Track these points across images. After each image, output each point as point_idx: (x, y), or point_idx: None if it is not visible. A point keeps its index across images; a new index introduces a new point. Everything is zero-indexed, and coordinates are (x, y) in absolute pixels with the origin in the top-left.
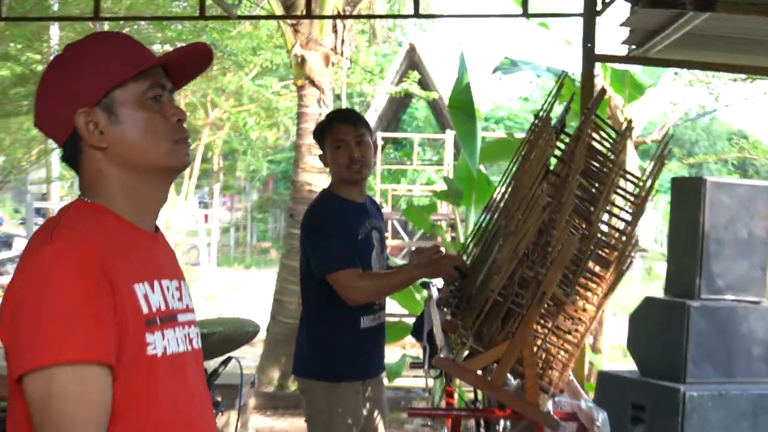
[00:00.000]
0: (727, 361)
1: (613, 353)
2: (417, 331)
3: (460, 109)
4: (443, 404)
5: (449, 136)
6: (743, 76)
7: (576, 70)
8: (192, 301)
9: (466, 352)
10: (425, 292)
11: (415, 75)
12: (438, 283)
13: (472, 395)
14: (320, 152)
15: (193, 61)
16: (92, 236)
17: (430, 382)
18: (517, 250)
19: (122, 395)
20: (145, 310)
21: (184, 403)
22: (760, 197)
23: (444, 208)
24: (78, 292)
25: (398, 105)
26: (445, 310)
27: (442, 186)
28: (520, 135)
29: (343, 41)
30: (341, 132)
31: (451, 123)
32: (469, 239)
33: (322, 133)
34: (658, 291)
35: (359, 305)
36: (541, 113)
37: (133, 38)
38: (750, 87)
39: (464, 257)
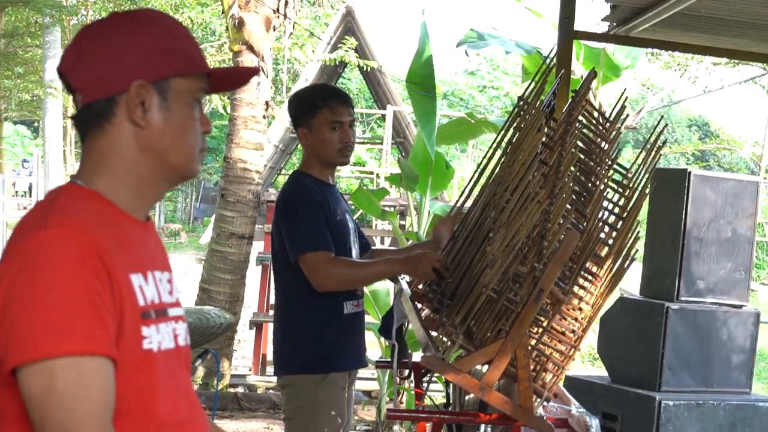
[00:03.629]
0: (705, 368)
1: (582, 358)
2: (385, 327)
3: (420, 85)
4: (402, 407)
5: (390, 112)
6: (725, 60)
7: (545, 46)
8: (180, 295)
9: (456, 351)
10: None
11: (351, 41)
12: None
13: (442, 397)
14: (257, 125)
15: (231, 78)
16: (88, 222)
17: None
18: (511, 243)
19: (120, 391)
20: (141, 302)
21: (178, 402)
22: (747, 193)
23: (393, 192)
24: (76, 280)
25: (330, 74)
26: (422, 306)
27: (372, 167)
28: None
29: (287, 2)
30: (340, 113)
31: (391, 97)
32: (457, 231)
33: (311, 108)
34: (633, 291)
35: (337, 290)
36: (526, 95)
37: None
38: (728, 73)
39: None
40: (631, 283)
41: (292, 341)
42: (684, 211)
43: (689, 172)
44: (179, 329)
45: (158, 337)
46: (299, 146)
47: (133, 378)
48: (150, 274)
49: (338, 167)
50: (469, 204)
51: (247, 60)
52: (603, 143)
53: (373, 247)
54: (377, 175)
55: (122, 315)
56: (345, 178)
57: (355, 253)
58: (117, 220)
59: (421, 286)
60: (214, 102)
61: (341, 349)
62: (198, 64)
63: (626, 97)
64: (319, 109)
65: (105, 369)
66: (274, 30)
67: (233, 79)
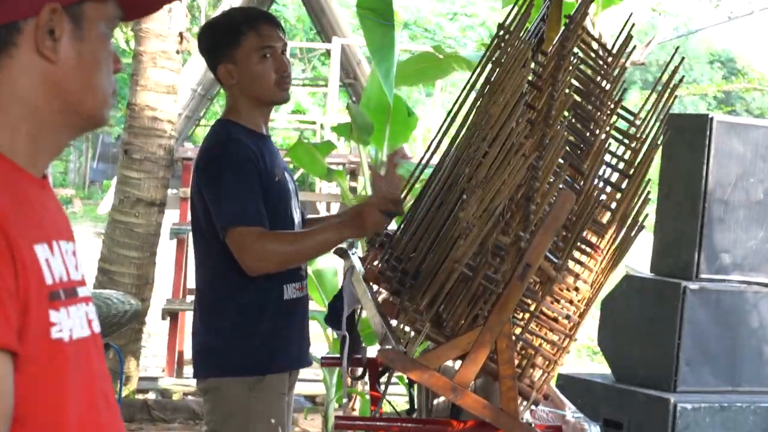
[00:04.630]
0: (731, 363)
1: (578, 351)
2: (333, 315)
3: (374, 11)
4: (356, 412)
5: (337, 46)
6: None
7: None
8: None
9: (422, 344)
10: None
11: None
12: (360, 250)
13: (405, 402)
14: (169, 63)
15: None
16: None
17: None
18: (490, 207)
19: (24, 392)
20: (48, 280)
21: (93, 405)
22: None
23: (343, 147)
24: None
25: (262, 0)
26: (378, 287)
27: (315, 115)
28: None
29: None
30: (269, 36)
31: (338, 27)
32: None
33: (232, 36)
34: (641, 268)
35: (272, 272)
36: (507, 23)
37: None
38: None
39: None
40: (639, 258)
41: (219, 335)
42: (705, 168)
43: (711, 119)
44: (91, 312)
45: (69, 323)
46: (222, 90)
47: (39, 375)
48: (56, 245)
49: (275, 109)
50: (436, 159)
51: None
52: (604, 82)
53: (310, 216)
54: (321, 125)
55: (27, 296)
56: (281, 129)
57: (297, 221)
58: (13, 177)
59: (369, 256)
60: (114, 35)
61: (281, 344)
62: None
63: (633, 25)
64: (243, 35)
65: (4, 365)
66: None
67: (142, 3)
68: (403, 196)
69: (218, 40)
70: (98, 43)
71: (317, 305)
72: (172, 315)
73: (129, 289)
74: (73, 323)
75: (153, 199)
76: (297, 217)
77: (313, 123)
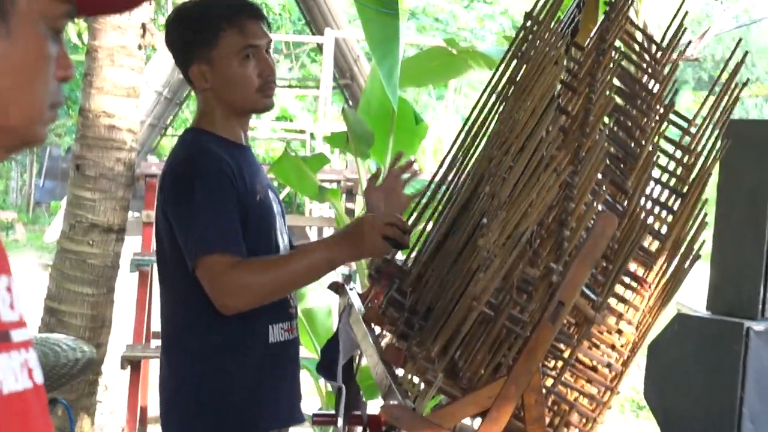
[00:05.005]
0: None
1: (620, 406)
2: (326, 363)
3: None
4: None
5: (330, 39)
6: None
7: None
8: (24, 309)
9: (434, 398)
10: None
11: None
12: (359, 284)
13: None
14: (130, 61)
15: None
16: None
17: None
18: (515, 233)
19: None
20: None
21: None
22: None
23: (337, 161)
24: None
25: None
26: (381, 329)
27: (304, 122)
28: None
29: None
30: (253, 33)
31: (331, 17)
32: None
33: (209, 32)
34: (695, 305)
35: (250, 308)
36: (536, 12)
37: None
38: None
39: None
40: (694, 294)
41: (191, 387)
42: None
43: None
44: (32, 360)
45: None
46: (193, 93)
47: None
48: None
49: (256, 115)
50: (451, 176)
51: None
52: (651, 83)
53: (298, 243)
54: (312, 134)
55: None
56: (263, 140)
57: (283, 249)
58: None
59: (371, 292)
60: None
61: (266, 397)
62: None
63: (686, 13)
64: (222, 32)
65: None
66: None
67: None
68: (410, 222)
69: (192, 37)
70: (33, 43)
71: (307, 351)
72: (133, 363)
73: (81, 332)
74: (4, 374)
75: (110, 225)
76: (283, 243)
77: (302, 132)
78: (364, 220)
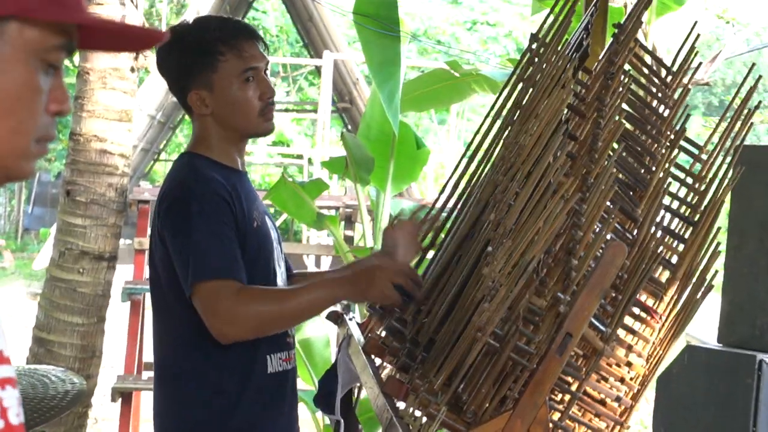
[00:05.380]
0: None
1: None
2: (324, 397)
3: (375, 18)
4: None
5: (329, 62)
6: None
7: None
8: (6, 342)
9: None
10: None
11: None
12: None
13: None
14: (123, 84)
15: (120, 36)
16: None
17: None
18: (521, 262)
19: None
20: None
21: None
22: None
23: (336, 187)
24: None
25: (235, 5)
26: (382, 361)
27: (302, 147)
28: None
29: None
30: (252, 56)
31: (330, 39)
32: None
33: (207, 56)
34: (706, 336)
35: (249, 338)
36: (543, 33)
37: None
38: None
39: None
40: (705, 325)
41: (185, 420)
42: None
43: None
44: (8, 399)
45: None
46: (187, 117)
47: None
48: None
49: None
50: (453, 202)
51: None
52: (662, 107)
53: (297, 271)
54: (309, 160)
55: None
56: (259, 165)
57: (281, 277)
58: None
59: (370, 323)
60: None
61: (264, 428)
62: (59, 7)
63: (697, 36)
64: (221, 56)
65: None
66: None
67: (123, 37)
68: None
69: (189, 62)
70: (19, 74)
71: (304, 383)
72: (124, 395)
73: (71, 363)
74: None
75: (101, 252)
76: (281, 270)
77: (300, 157)
78: (375, 264)
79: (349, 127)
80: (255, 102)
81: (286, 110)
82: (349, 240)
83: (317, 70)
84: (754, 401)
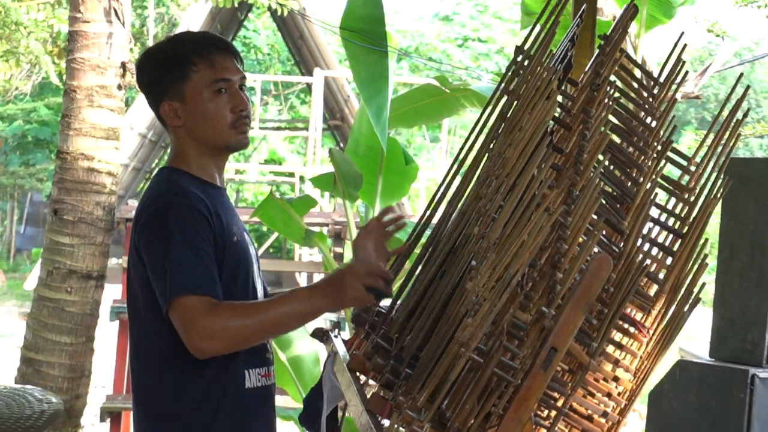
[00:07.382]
0: None
1: None
2: (309, 414)
3: (363, 34)
4: None
5: (319, 79)
6: None
7: None
8: None
9: None
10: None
11: None
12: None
13: None
14: (110, 102)
15: None
16: None
17: None
18: (505, 275)
19: None
20: None
21: None
22: None
23: (326, 204)
24: None
25: (225, 23)
26: (366, 378)
27: (294, 165)
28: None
29: None
30: (224, 68)
31: (320, 56)
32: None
33: (179, 68)
34: (698, 351)
35: (225, 353)
36: (529, 46)
37: None
38: None
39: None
40: (696, 339)
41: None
42: None
43: None
44: None
45: None
46: None
47: None
48: None
49: (244, 157)
50: (438, 216)
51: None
52: (649, 119)
53: (274, 290)
54: (301, 177)
55: None
56: (251, 183)
57: (260, 293)
58: None
59: (355, 340)
60: (44, 67)
61: None
62: None
63: (684, 46)
64: (193, 66)
65: None
66: None
67: None
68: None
69: (162, 73)
70: None
71: (292, 401)
72: (113, 415)
73: (59, 383)
74: None
75: (89, 271)
76: (260, 287)
77: (292, 175)
78: (346, 270)
79: (341, 144)
80: (226, 113)
81: (278, 128)
82: (338, 257)
83: (309, 88)
84: (746, 416)
